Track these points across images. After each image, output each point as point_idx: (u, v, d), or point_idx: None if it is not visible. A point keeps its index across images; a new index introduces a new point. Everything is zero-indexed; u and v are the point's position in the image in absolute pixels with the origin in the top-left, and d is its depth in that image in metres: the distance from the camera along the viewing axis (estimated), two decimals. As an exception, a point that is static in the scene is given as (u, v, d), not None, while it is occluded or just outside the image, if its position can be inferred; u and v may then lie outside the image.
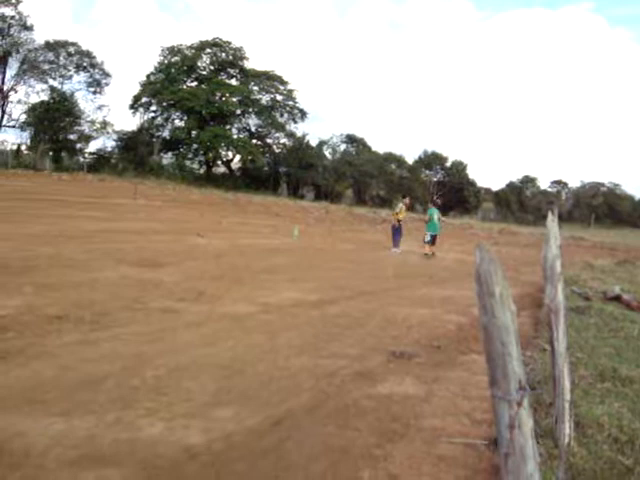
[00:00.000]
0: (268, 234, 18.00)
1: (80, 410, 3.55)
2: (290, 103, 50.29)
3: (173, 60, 48.30)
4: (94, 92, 45.76)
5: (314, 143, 52.38)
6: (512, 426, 1.74)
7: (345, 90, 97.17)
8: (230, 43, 48.60)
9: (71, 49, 44.46)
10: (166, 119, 48.48)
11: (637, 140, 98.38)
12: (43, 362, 4.36)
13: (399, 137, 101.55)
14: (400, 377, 4.81)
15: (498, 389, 1.80)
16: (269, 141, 51.41)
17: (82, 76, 45.36)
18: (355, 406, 4.08)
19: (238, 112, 48.99)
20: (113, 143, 47.11)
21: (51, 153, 44.08)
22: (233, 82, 49.66)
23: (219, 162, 51.09)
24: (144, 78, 48.08)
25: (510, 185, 60.78)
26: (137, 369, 4.38)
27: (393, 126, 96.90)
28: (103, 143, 47.33)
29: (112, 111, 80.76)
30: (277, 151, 51.43)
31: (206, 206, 26.79)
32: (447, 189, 52.72)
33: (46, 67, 43.69)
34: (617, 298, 9.70)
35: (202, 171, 49.73)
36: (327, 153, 54.28)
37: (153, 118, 48.52)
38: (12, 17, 40.58)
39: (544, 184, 63.29)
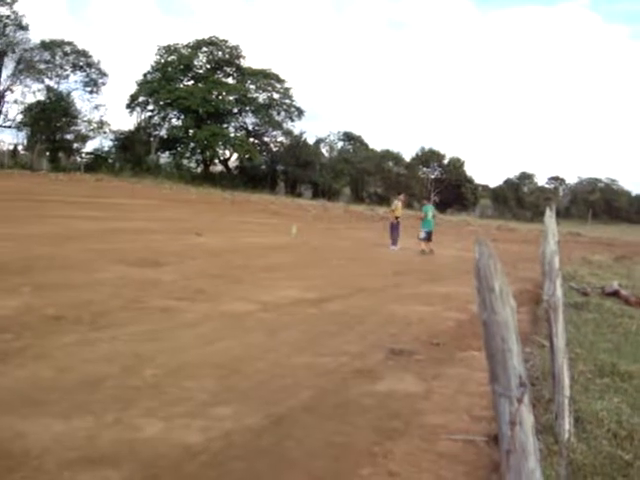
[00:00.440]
0: (266, 232, 17.99)
1: (79, 411, 3.53)
2: (287, 101, 50.31)
3: (170, 59, 48.26)
4: (91, 92, 45.81)
5: (311, 141, 52.57)
6: (513, 423, 1.74)
7: (342, 88, 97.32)
8: (226, 42, 48.68)
9: (67, 48, 44.36)
10: (163, 118, 48.45)
11: (634, 136, 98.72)
12: (42, 363, 4.35)
13: (396, 134, 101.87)
14: (400, 374, 4.81)
15: (499, 385, 1.79)
16: (266, 139, 51.50)
17: (78, 75, 45.46)
18: (355, 403, 4.08)
19: (235, 110, 49.03)
20: (110, 143, 47.17)
21: (48, 153, 43.99)
22: (230, 81, 49.64)
23: (216, 161, 51.13)
24: (141, 77, 48.18)
25: (507, 182, 60.96)
26: (136, 369, 4.37)
27: (390, 124, 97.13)
28: (100, 143, 47.40)
29: (109, 111, 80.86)
30: (274, 149, 51.50)
31: (204, 205, 26.77)
32: (444, 186, 52.74)
33: (42, 67, 43.56)
34: (615, 293, 9.71)
35: (199, 170, 49.72)
36: (324, 151, 54.41)
37: (150, 117, 48.55)
38: (7, 17, 40.49)
39: (541, 180, 63.71)
